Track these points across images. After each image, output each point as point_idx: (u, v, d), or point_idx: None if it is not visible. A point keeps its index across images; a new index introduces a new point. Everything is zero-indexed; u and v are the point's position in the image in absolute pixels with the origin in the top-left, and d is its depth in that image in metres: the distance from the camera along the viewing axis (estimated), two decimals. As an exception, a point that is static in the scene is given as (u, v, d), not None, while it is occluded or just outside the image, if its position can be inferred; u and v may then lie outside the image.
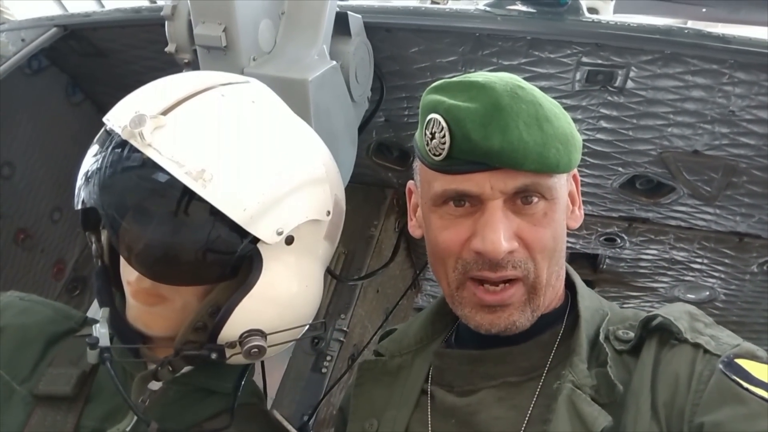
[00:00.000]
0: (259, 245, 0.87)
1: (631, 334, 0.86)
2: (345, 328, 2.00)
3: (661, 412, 0.76)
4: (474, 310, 0.89)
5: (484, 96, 0.82)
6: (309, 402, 1.90)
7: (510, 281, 0.87)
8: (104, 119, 0.87)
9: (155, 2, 1.72)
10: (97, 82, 2.02)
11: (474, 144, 0.81)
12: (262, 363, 1.13)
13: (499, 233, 0.83)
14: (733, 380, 0.73)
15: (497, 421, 0.87)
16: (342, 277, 2.00)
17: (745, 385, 0.72)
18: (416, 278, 2.46)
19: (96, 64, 1.92)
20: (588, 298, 0.94)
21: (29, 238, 1.98)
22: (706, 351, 0.78)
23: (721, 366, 0.75)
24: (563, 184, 0.90)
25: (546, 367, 0.89)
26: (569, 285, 0.98)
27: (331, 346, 1.98)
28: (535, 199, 0.86)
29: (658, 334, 0.83)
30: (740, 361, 0.75)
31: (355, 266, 2.06)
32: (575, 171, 0.94)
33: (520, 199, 0.85)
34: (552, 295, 0.93)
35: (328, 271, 1.05)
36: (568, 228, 0.94)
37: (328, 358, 1.96)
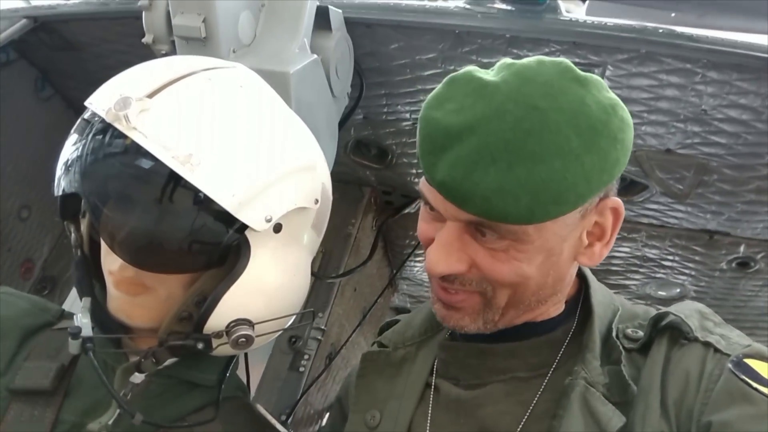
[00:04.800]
0: (246, 232, 0.85)
1: (641, 333, 0.84)
2: (323, 327, 1.99)
3: (671, 410, 0.74)
4: (437, 304, 0.87)
5: (471, 111, 0.72)
6: (286, 401, 1.87)
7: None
8: (86, 102, 0.84)
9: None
10: (68, 76, 1.97)
11: (425, 168, 0.77)
12: (246, 356, 1.11)
13: (441, 254, 0.78)
14: (743, 380, 0.72)
15: (503, 416, 0.84)
16: (320, 274, 1.99)
17: (755, 385, 0.71)
18: (393, 277, 2.46)
19: (67, 58, 1.87)
20: (600, 293, 0.91)
21: (-5, 237, 1.91)
22: (716, 350, 0.77)
23: (730, 365, 0.74)
24: (549, 227, 0.76)
25: (554, 363, 0.86)
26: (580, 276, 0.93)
27: (308, 344, 1.96)
28: (494, 235, 0.76)
29: (668, 332, 0.82)
30: (749, 361, 0.74)
31: (332, 265, 2.05)
32: (617, 203, 0.80)
33: (476, 229, 0.78)
34: (533, 315, 0.88)
35: None
36: (579, 263, 0.85)
37: (306, 357, 1.94)
